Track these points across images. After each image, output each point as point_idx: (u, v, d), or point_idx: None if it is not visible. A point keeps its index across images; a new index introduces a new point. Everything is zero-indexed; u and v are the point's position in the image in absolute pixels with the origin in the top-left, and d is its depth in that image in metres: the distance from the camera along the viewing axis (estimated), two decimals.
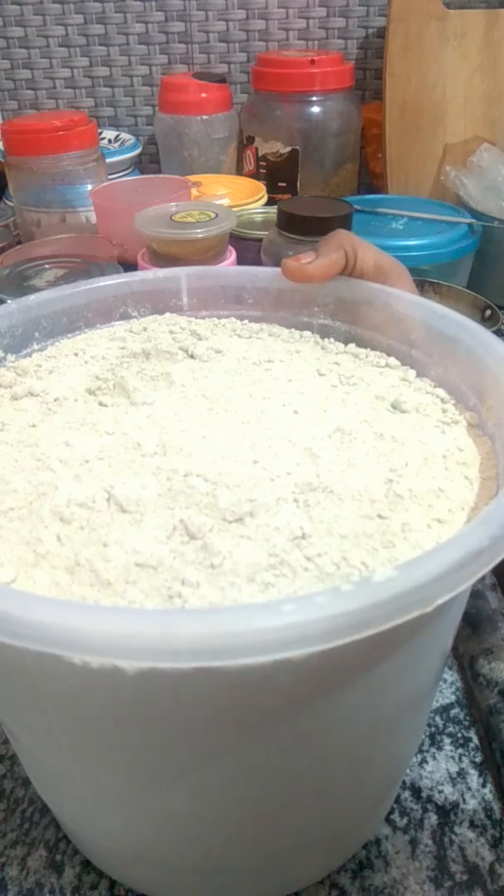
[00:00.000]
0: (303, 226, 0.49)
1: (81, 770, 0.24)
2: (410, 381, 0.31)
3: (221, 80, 0.83)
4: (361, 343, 0.34)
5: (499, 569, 0.19)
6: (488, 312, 0.59)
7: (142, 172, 0.88)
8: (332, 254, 0.35)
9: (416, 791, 0.33)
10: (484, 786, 0.33)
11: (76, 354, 0.34)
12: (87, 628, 0.16)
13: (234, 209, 0.60)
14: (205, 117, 0.81)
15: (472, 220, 0.67)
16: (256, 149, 0.80)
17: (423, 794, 0.33)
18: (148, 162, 0.95)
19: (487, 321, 0.58)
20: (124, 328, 0.36)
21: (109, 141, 0.89)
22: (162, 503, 0.24)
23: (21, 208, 0.71)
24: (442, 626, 0.23)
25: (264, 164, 0.80)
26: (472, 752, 0.34)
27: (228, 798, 0.23)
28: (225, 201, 0.69)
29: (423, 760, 0.34)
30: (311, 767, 0.23)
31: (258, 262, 0.53)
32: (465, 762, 0.34)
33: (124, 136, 0.90)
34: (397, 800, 0.33)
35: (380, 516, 0.23)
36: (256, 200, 0.70)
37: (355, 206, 0.59)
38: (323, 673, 0.19)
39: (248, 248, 0.60)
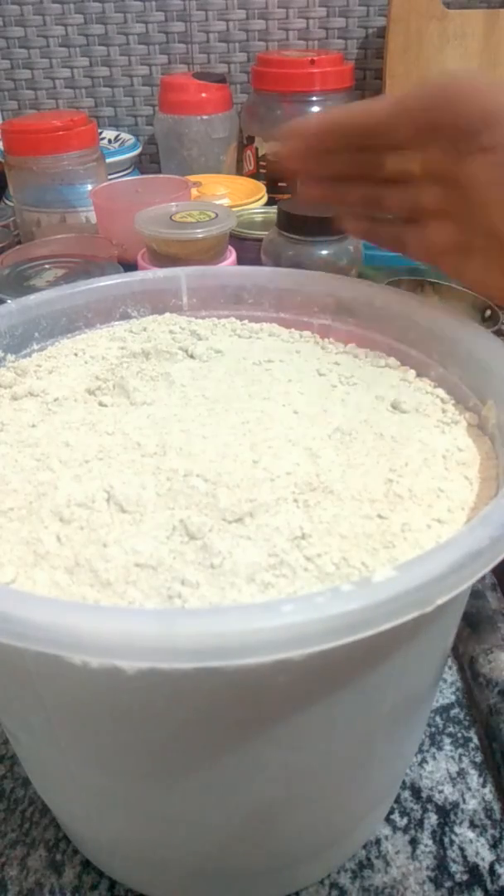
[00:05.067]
0: (303, 226, 0.49)
1: (81, 770, 0.24)
2: (410, 381, 0.31)
3: (221, 80, 0.83)
4: (361, 343, 0.34)
5: (499, 569, 0.19)
6: (488, 312, 0.59)
7: (142, 172, 0.88)
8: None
9: (416, 791, 0.33)
10: (484, 786, 0.33)
11: (76, 354, 0.34)
12: (87, 628, 0.16)
13: (234, 209, 0.60)
14: (205, 117, 0.81)
15: None
16: (256, 149, 0.80)
17: (423, 794, 0.33)
18: (148, 162, 0.95)
19: (487, 321, 0.58)
20: (124, 328, 0.36)
21: (109, 141, 0.89)
22: (162, 503, 0.24)
23: (21, 208, 0.71)
24: (442, 627, 0.23)
25: (264, 164, 0.80)
26: (472, 752, 0.34)
27: (228, 798, 0.23)
28: (225, 201, 0.69)
29: (423, 760, 0.34)
30: (311, 767, 0.23)
31: (258, 262, 0.53)
32: (465, 762, 0.34)
33: (124, 136, 0.89)
34: (397, 800, 0.33)
35: (380, 516, 0.23)
36: (256, 200, 0.70)
37: None
38: (323, 673, 0.19)
39: (248, 248, 0.60)
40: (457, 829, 0.31)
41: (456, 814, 0.32)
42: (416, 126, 0.27)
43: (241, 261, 0.57)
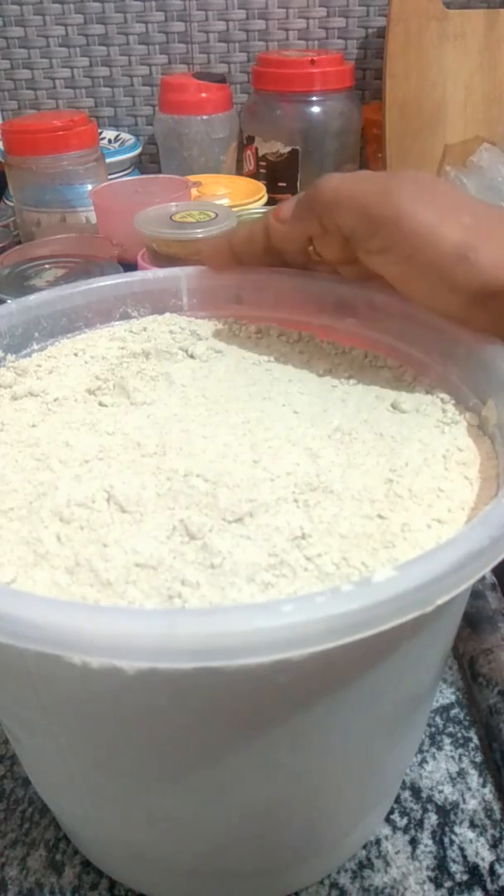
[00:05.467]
0: None
1: (81, 770, 0.24)
2: (410, 380, 0.31)
3: (221, 80, 0.83)
4: (361, 343, 0.34)
5: (499, 569, 0.19)
6: None
7: (142, 172, 0.88)
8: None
9: (416, 791, 0.33)
10: (484, 786, 0.33)
11: (76, 354, 0.34)
12: (87, 628, 0.16)
13: (234, 209, 0.60)
14: (205, 117, 0.81)
15: None
16: (256, 149, 0.80)
17: (423, 794, 0.33)
18: (148, 162, 0.95)
19: None
20: (124, 328, 0.36)
21: (109, 141, 0.89)
22: (162, 503, 0.24)
23: (21, 208, 0.71)
24: (442, 627, 0.23)
25: (264, 164, 0.80)
26: (472, 752, 0.34)
27: (228, 798, 0.23)
28: (225, 201, 0.69)
29: (423, 760, 0.34)
30: (310, 767, 0.23)
31: None
32: (465, 762, 0.34)
33: (124, 136, 0.90)
34: (397, 800, 0.33)
35: (380, 516, 0.23)
36: (256, 200, 0.70)
37: None
38: (323, 673, 0.19)
39: None
40: (457, 829, 0.31)
41: (456, 814, 0.32)
42: (310, 235, 0.30)
43: None
